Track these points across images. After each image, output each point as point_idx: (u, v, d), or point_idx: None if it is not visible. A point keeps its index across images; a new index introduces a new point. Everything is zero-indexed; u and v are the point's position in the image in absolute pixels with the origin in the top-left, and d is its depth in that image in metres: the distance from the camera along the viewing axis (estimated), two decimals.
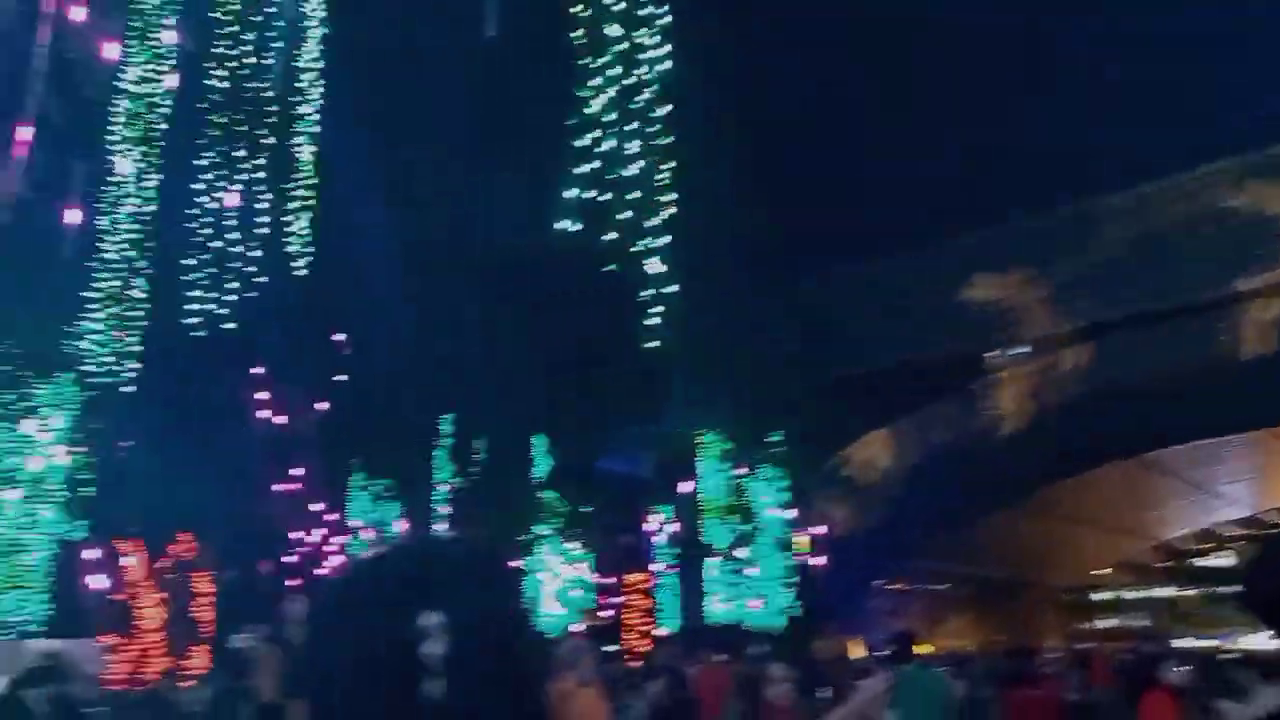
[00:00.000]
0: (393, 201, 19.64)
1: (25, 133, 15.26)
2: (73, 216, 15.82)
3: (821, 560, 28.25)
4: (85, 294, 15.96)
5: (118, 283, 16.48)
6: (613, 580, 28.46)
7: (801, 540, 28.28)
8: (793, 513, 28.17)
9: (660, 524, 27.57)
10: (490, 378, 22.33)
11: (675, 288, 17.76)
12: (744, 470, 27.31)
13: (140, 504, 24.48)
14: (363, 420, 25.47)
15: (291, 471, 26.21)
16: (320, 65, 15.57)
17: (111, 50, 15.72)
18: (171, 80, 16.35)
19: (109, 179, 15.76)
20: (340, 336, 23.68)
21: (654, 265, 13.46)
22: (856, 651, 24.15)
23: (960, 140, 25.04)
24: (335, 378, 24.30)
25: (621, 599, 28.44)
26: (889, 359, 27.82)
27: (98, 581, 27.41)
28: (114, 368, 16.84)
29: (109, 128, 15.54)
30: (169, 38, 15.89)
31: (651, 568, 28.12)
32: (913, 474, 28.06)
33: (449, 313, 21.96)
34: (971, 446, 27.51)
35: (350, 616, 1.10)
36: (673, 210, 16.35)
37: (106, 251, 15.97)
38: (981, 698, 15.16)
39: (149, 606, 27.84)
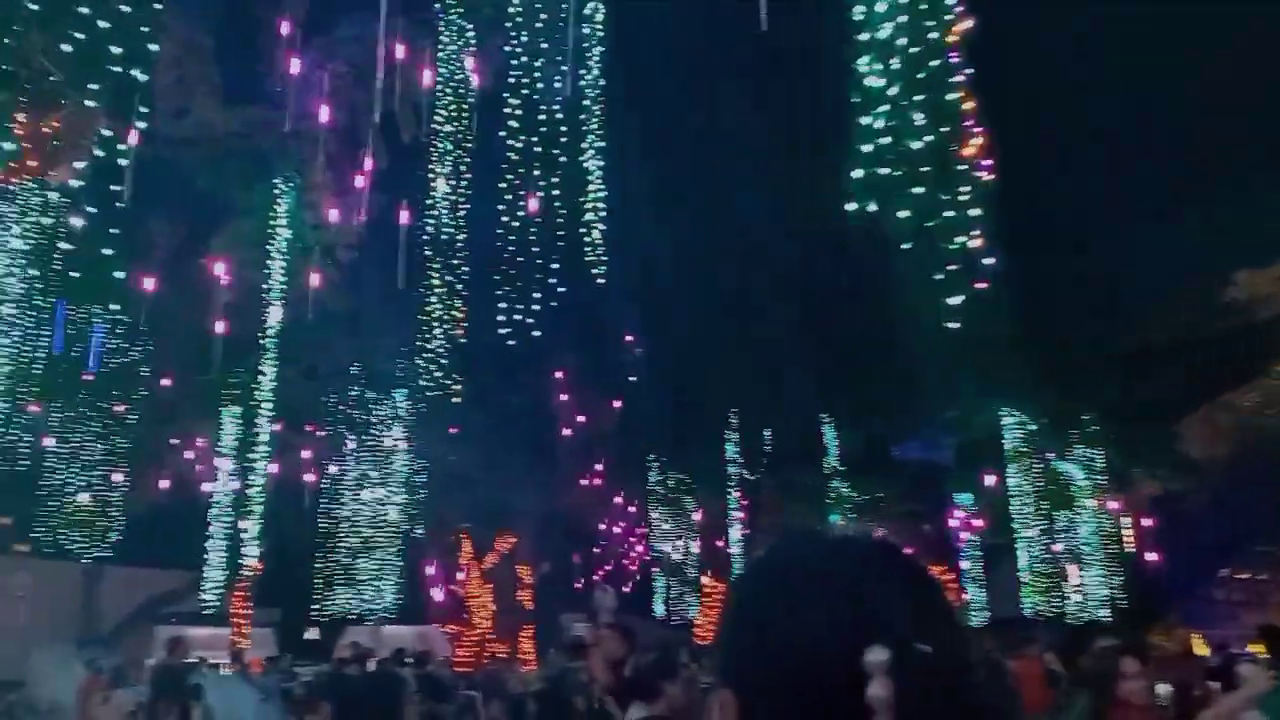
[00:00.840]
0: (677, 201, 20.30)
1: (363, 179, 17.54)
2: (403, 248, 17.86)
3: (1151, 546, 25.63)
4: (419, 316, 17.89)
5: (441, 305, 18.28)
6: None
7: (1126, 524, 25.82)
8: (1114, 495, 25.79)
9: (964, 512, 26.31)
10: (778, 367, 22.38)
11: (991, 260, 16.72)
12: (1054, 451, 25.37)
13: (467, 503, 27.05)
14: (656, 416, 26.43)
15: (594, 468, 27.77)
16: (603, 83, 16.43)
17: (425, 98, 17.62)
18: (472, 113, 17.97)
19: (429, 213, 17.57)
20: (631, 339, 24.75)
21: (963, 240, 12.75)
22: (1197, 647, 21.66)
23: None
24: (629, 377, 25.45)
25: None
26: (1215, 322, 24.69)
27: (436, 574, 30.62)
28: (443, 381, 18.72)
29: (427, 168, 17.36)
30: (470, 68, 17.53)
31: (957, 558, 26.91)
32: (1265, 446, 24.62)
33: (736, 304, 22.25)
34: None
35: (785, 611, 1.05)
36: (987, 178, 15.34)
37: (432, 277, 17.79)
38: None
39: (480, 596, 30.64)
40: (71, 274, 16.71)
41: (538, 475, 26.64)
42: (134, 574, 26.83)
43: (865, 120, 12.14)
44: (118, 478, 22.42)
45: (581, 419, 25.92)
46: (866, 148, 10.75)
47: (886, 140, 12.02)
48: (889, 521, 27.35)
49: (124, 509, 22.96)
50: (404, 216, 17.64)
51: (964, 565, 27.01)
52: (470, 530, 28.82)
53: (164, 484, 23.86)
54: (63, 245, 16.08)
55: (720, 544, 30.15)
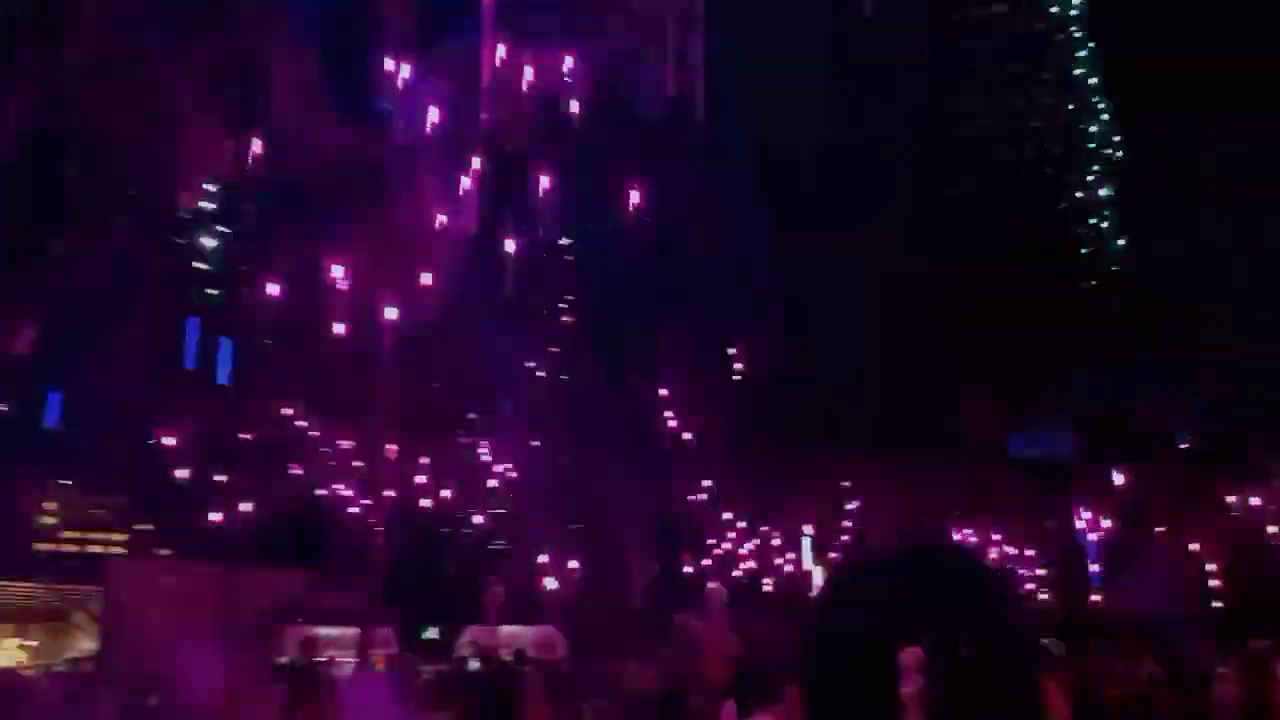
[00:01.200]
0: (785, 196, 20.09)
1: (470, 189, 18.05)
2: (510, 250, 18.27)
3: None
4: (528, 320, 18.22)
5: (548, 308, 18.57)
6: (1038, 573, 26.46)
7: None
8: (1253, 488, 24.21)
9: (1090, 509, 25.05)
10: (891, 362, 21.84)
11: (1122, 241, 15.78)
12: (1188, 443, 23.93)
13: (581, 502, 27.35)
14: (770, 410, 26.16)
15: (708, 465, 27.67)
16: (702, 81, 16.37)
17: (528, 107, 18.02)
18: (574, 118, 18.21)
19: (535, 218, 17.89)
20: (741, 334, 24.60)
21: (1094, 221, 11.84)
22: None
23: None
24: (735, 375, 25.30)
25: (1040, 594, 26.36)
26: None
27: (552, 573, 31.08)
28: (553, 383, 19.01)
29: (531, 174, 17.66)
30: (570, 74, 17.81)
31: (1085, 558, 25.68)
32: None
33: (849, 298, 21.85)
34: None
35: (844, 617, 1.11)
36: (1117, 155, 14.40)
37: (539, 281, 18.10)
38: None
39: (594, 594, 30.94)
40: (203, 291, 17.68)
41: (651, 473, 26.71)
42: (267, 575, 28.15)
43: (976, 99, 11.37)
44: (250, 485, 23.54)
45: (695, 416, 25.89)
46: (983, 124, 10.05)
47: (1009, 120, 11.24)
48: (1007, 518, 26.37)
49: (257, 514, 24.08)
50: (510, 223, 17.99)
51: (1092, 566, 25.81)
52: (584, 530, 29.14)
53: (293, 490, 24.93)
54: (196, 265, 17.09)
55: (832, 539, 29.67)
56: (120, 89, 12.77)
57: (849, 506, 29.01)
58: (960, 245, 18.71)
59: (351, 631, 24.48)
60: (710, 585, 28.86)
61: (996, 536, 26.52)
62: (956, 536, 26.79)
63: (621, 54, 16.31)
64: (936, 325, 20.99)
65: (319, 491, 24.55)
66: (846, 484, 29.23)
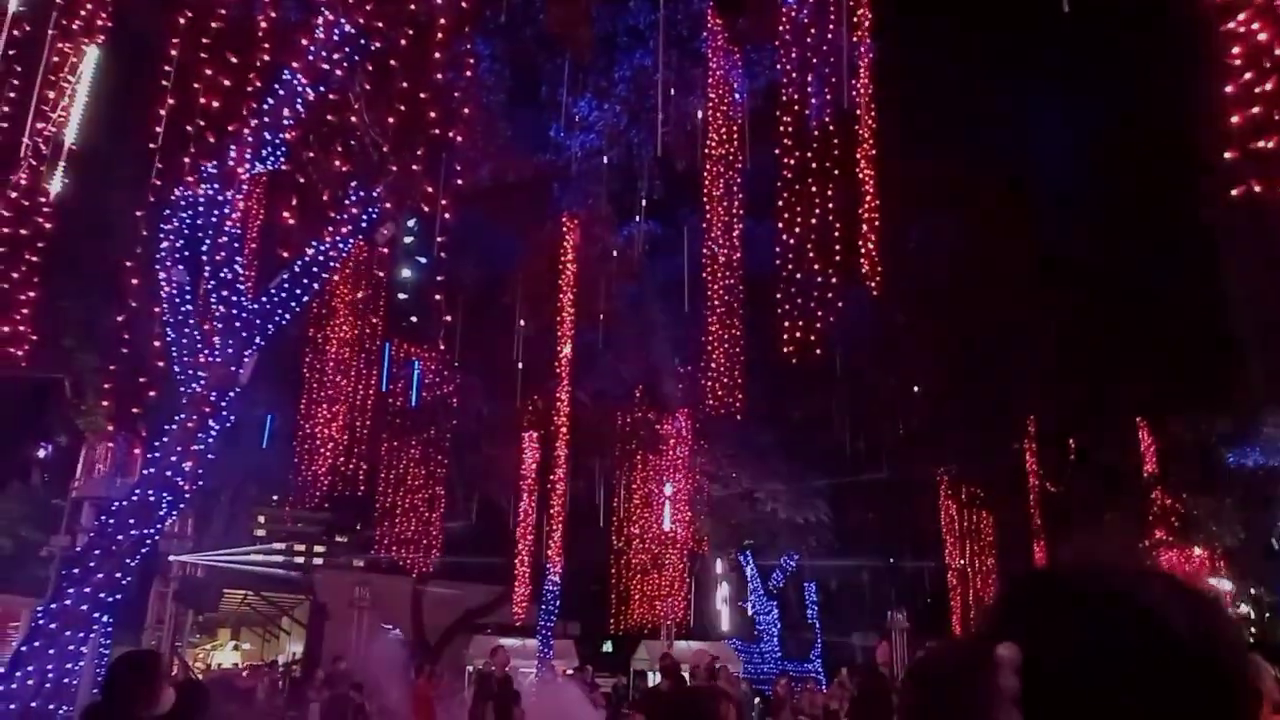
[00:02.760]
0: (964, 197, 19.44)
1: (641, 209, 18.50)
2: (685, 272, 18.48)
3: None
4: (701, 338, 18.34)
5: (720, 325, 18.58)
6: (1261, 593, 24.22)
7: None
8: None
9: None
10: (1085, 364, 20.47)
11: None
12: None
13: (752, 519, 27.29)
14: (948, 426, 25.20)
15: (881, 483, 26.97)
16: (871, 90, 15.99)
17: (696, 125, 18.21)
18: (743, 133, 18.20)
19: (707, 235, 17.96)
20: (912, 346, 23.85)
21: None
22: None
23: None
24: (915, 387, 24.55)
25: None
26: None
27: (724, 590, 31.13)
28: (725, 400, 18.98)
29: (702, 192, 17.78)
30: (739, 89, 17.84)
31: None
32: None
33: (1035, 294, 20.70)
34: None
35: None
36: None
37: (713, 299, 18.14)
38: None
39: (767, 613, 30.74)
40: (403, 320, 18.87)
41: (823, 491, 26.32)
42: (452, 587, 29.54)
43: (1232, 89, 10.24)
44: (437, 500, 24.68)
45: (866, 433, 25.35)
46: (1236, 119, 9.04)
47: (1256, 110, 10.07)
48: (1223, 538, 24.25)
49: (443, 528, 25.21)
50: (682, 241, 18.23)
51: None
52: (754, 546, 29.00)
53: (476, 506, 26.07)
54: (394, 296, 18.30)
55: (1021, 561, 28.15)
56: (325, 134, 13.68)
57: (1036, 526, 27.46)
58: (1175, 245, 17.35)
59: (532, 643, 25.29)
60: (892, 608, 27.70)
61: (1197, 555, 24.44)
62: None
63: (790, 66, 16.15)
64: (1138, 319, 19.34)
65: (501, 506, 25.47)
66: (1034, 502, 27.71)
